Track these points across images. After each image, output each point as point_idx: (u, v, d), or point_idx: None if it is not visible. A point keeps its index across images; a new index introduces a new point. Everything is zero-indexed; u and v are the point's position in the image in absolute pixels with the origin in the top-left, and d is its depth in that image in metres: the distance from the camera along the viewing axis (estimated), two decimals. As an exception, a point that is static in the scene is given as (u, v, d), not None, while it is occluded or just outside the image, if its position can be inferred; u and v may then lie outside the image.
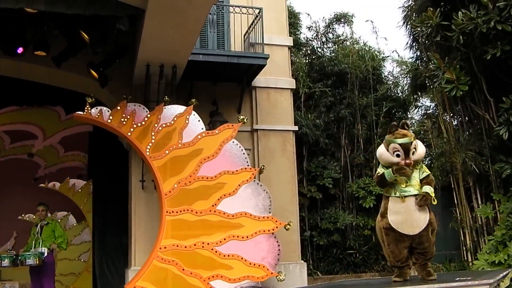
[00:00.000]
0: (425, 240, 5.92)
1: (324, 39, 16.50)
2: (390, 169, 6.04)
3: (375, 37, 29.98)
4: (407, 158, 5.94)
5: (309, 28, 16.47)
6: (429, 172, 6.18)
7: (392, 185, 6.07)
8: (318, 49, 16.31)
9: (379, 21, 35.25)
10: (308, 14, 16.50)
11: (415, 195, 5.95)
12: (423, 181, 6.04)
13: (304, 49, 16.01)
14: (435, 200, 6.01)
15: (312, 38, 16.42)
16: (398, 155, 5.96)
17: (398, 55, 17.74)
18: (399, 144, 5.95)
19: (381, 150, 6.18)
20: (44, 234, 9.72)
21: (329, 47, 16.43)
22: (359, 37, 17.68)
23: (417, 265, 6.09)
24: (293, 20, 15.71)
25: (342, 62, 15.33)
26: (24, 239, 12.37)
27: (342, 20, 16.74)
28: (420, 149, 6.07)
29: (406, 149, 5.93)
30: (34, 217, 13.62)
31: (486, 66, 10.66)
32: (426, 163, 16.11)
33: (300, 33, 16.15)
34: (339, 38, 16.73)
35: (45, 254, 9.34)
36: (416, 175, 6.04)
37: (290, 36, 12.41)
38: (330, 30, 16.67)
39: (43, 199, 10.53)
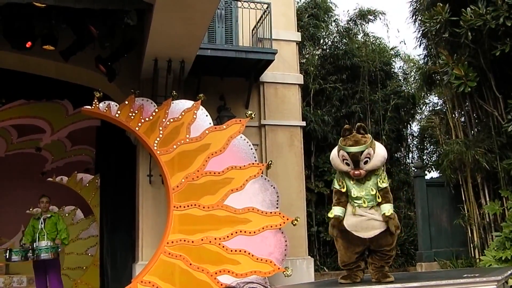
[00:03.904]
0: (384, 243, 5.28)
1: (344, 33, 16.42)
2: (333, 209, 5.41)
3: (386, 30, 29.84)
4: (356, 169, 5.17)
5: (334, 21, 16.42)
6: (387, 184, 5.35)
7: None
8: (336, 42, 16.22)
9: (396, 17, 34.66)
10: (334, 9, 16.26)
11: (369, 207, 5.24)
12: (380, 193, 5.28)
13: (322, 41, 15.93)
14: (396, 222, 5.20)
15: (333, 31, 16.36)
16: (347, 164, 5.21)
17: (406, 48, 17.73)
18: (347, 153, 5.17)
19: (333, 154, 5.41)
20: (46, 227, 9.69)
21: (343, 41, 16.34)
22: (372, 32, 17.65)
23: (373, 266, 5.38)
24: (316, 10, 15.69)
25: (356, 56, 15.26)
26: (32, 233, 12.41)
27: (369, 18, 16.64)
28: (376, 157, 5.20)
29: (355, 160, 5.14)
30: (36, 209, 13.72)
31: (494, 62, 10.59)
32: (435, 159, 16.13)
33: (322, 22, 16.05)
34: (351, 32, 16.62)
35: (60, 249, 9.32)
36: (372, 184, 5.26)
37: (309, 27, 12.14)
38: (352, 25, 16.60)
39: (51, 193, 10.55)
